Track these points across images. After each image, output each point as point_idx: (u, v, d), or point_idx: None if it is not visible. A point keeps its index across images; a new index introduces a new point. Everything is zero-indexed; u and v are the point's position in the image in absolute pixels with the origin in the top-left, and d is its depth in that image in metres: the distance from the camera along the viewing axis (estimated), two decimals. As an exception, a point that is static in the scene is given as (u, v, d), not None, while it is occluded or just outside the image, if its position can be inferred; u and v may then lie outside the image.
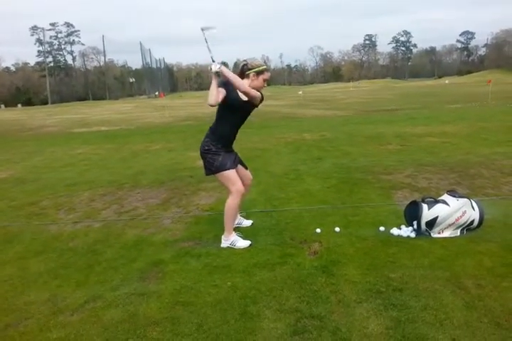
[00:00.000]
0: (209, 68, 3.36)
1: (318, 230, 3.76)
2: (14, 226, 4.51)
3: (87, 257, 3.52)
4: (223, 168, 3.50)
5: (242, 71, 3.45)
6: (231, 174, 3.52)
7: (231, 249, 3.48)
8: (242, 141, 8.98)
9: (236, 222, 3.89)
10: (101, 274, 3.16)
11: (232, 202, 3.54)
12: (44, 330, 2.45)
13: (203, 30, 3.44)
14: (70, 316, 2.60)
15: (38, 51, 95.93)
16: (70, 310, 2.67)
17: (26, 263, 3.46)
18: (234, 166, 3.57)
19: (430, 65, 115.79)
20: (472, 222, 3.56)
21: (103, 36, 78.30)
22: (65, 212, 4.94)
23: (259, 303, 2.59)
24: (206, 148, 3.53)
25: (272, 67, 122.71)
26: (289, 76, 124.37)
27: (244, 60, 3.49)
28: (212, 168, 3.53)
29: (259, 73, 3.42)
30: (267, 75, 3.48)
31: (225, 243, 3.55)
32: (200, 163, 3.67)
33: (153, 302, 2.68)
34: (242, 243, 3.53)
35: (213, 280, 2.93)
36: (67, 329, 2.45)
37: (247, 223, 4.08)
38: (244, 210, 4.32)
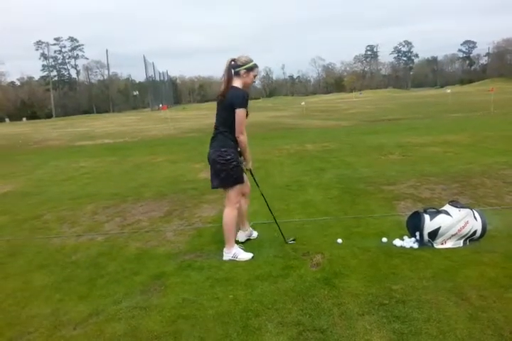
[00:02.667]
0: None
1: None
2: (18, 240, 4.53)
3: (90, 270, 3.52)
4: (240, 180, 3.44)
5: (230, 68, 3.32)
6: (240, 188, 3.51)
7: (233, 262, 3.47)
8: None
9: (246, 234, 3.92)
10: (103, 287, 3.16)
11: (232, 213, 3.53)
12: (46, 345, 2.44)
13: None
14: (72, 330, 2.59)
15: (43, 65, 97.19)
16: (72, 323, 2.67)
17: (29, 277, 3.47)
18: None
19: (432, 74, 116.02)
20: (475, 232, 3.55)
21: (107, 50, 79.74)
22: (68, 226, 4.95)
23: (261, 316, 2.58)
24: (228, 157, 3.32)
25: (275, 78, 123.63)
26: (292, 87, 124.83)
27: (232, 58, 3.36)
28: (230, 180, 3.40)
29: (249, 69, 3.34)
30: (256, 71, 3.39)
31: (227, 255, 3.54)
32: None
33: (155, 316, 2.68)
34: (244, 255, 3.52)
35: (215, 293, 2.92)
36: (69, 343, 2.45)
37: (255, 235, 4.07)
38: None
